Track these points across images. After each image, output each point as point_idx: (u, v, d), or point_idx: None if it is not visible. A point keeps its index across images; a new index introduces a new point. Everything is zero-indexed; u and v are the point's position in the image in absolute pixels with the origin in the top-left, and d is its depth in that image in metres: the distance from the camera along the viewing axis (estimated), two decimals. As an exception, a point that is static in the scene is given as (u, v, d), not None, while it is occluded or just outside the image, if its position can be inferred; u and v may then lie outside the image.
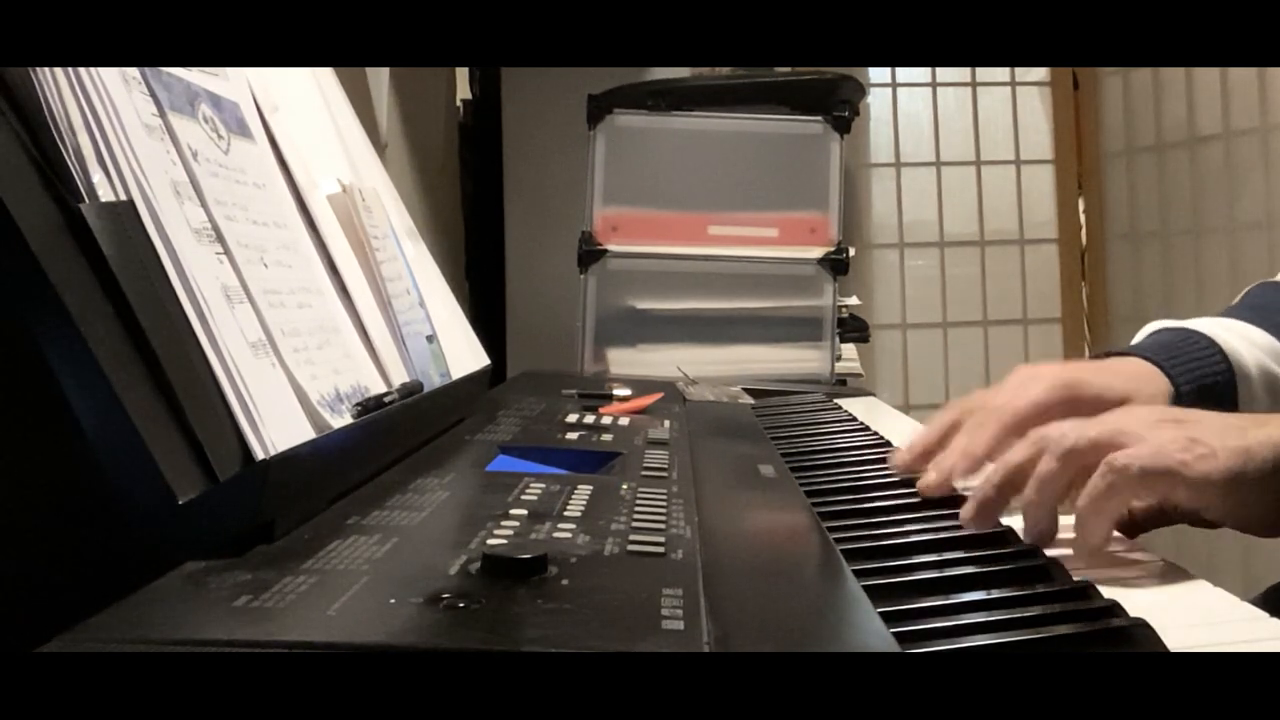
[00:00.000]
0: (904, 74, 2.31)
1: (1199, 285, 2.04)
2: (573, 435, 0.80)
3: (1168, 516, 0.61)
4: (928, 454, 0.74)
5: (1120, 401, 0.72)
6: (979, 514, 0.61)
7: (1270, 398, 0.79)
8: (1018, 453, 0.62)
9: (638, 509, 0.56)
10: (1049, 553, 0.56)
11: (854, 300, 1.65)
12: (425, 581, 0.42)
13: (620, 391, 1.05)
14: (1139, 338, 0.85)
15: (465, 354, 0.90)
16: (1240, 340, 0.80)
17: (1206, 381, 0.77)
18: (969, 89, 2.31)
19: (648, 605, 0.41)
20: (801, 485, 0.71)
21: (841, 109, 1.52)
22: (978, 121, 2.32)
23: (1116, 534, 0.61)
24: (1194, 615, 0.50)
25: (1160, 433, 0.58)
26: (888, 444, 0.87)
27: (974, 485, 0.65)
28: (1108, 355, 0.82)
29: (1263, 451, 0.56)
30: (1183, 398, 0.76)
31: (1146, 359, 0.79)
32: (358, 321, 0.67)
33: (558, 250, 1.60)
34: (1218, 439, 0.57)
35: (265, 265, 0.56)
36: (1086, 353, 2.32)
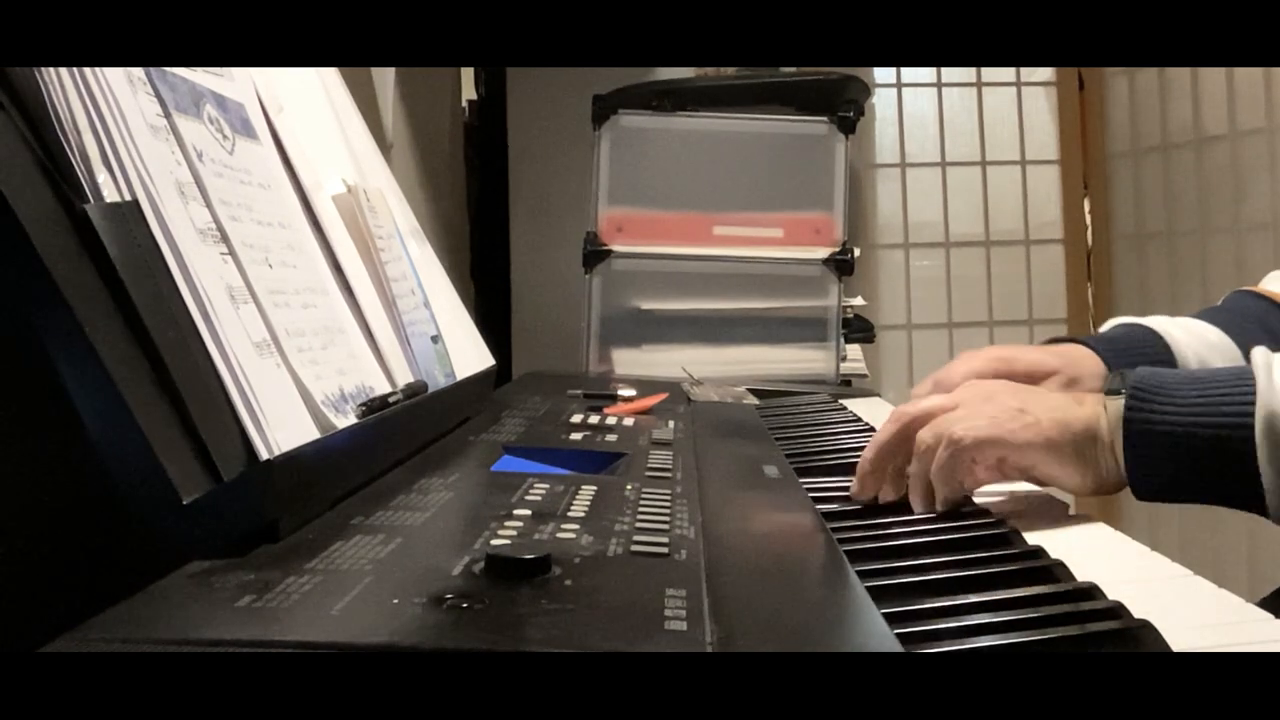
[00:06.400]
0: (909, 74, 2.31)
1: (1205, 286, 2.03)
2: (577, 436, 0.80)
3: (1004, 475, 0.70)
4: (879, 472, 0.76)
5: (1050, 374, 0.86)
6: (858, 489, 0.72)
7: None
8: (883, 432, 0.72)
9: (641, 509, 0.56)
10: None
11: (859, 301, 1.65)
12: (429, 582, 0.42)
13: (625, 392, 1.05)
14: (1100, 331, 0.96)
15: (470, 354, 0.90)
16: (1184, 333, 0.90)
17: (1140, 364, 0.79)
18: (974, 89, 2.31)
19: (651, 606, 0.41)
20: (806, 486, 0.71)
21: (847, 109, 1.52)
22: (983, 122, 2.31)
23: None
24: (1199, 617, 0.50)
25: (994, 404, 0.70)
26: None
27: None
28: (1054, 341, 0.93)
29: (1077, 425, 0.68)
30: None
31: (1086, 345, 0.90)
32: (362, 322, 0.67)
33: (563, 250, 1.60)
34: (1044, 411, 0.69)
35: (270, 265, 0.56)
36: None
